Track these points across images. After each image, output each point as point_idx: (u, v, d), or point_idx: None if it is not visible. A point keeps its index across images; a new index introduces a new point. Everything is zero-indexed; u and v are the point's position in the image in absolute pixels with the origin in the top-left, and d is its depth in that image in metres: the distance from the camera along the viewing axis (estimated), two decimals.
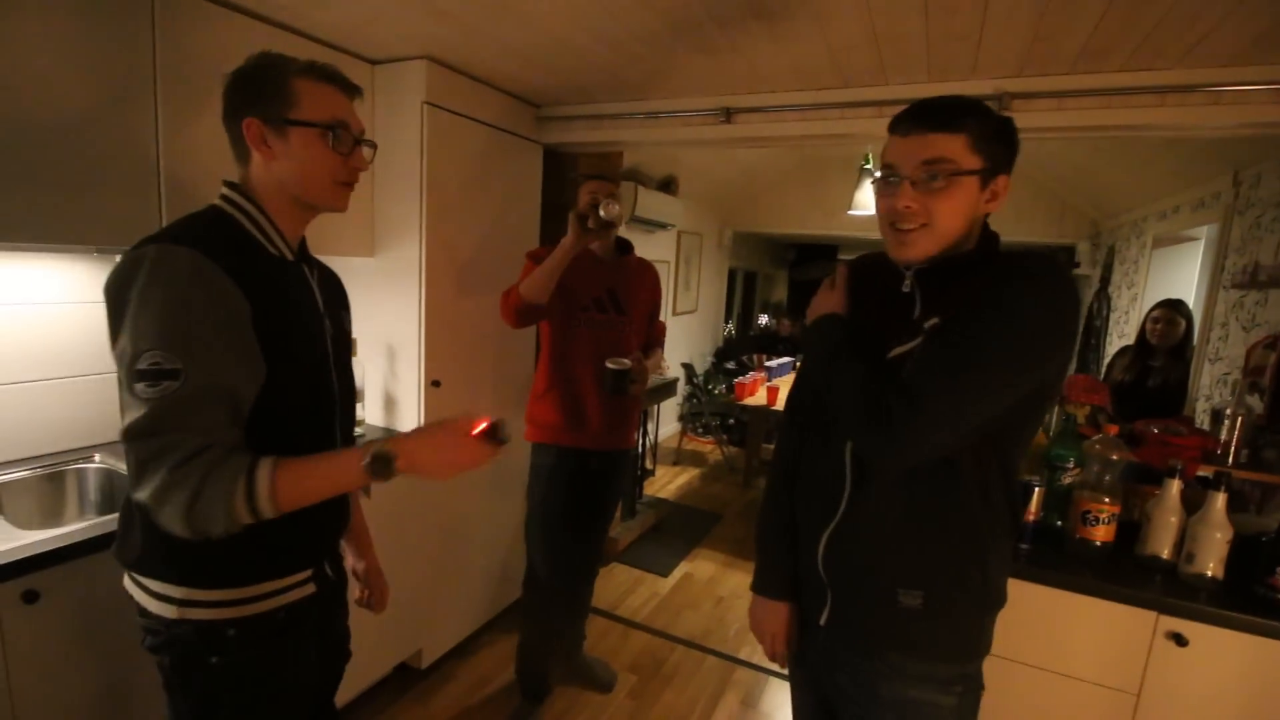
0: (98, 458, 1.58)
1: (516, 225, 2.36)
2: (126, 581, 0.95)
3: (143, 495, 0.78)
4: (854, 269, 1.06)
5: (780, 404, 4.01)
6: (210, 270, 0.81)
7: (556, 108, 2.35)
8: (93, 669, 1.23)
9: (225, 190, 0.93)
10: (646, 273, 2.03)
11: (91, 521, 1.26)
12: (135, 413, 0.77)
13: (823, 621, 1.02)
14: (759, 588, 1.13)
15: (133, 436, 0.78)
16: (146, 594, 0.90)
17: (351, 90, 0.95)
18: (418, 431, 0.89)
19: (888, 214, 0.91)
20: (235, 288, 0.83)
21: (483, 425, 0.87)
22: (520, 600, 2.04)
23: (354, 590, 1.24)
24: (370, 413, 2.13)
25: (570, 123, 2.36)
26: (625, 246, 1.97)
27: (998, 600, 0.96)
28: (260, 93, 0.89)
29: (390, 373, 2.09)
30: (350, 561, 1.25)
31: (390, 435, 0.91)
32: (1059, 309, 0.84)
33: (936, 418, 0.82)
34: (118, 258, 0.82)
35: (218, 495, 0.77)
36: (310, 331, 0.97)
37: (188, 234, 0.84)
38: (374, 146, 0.99)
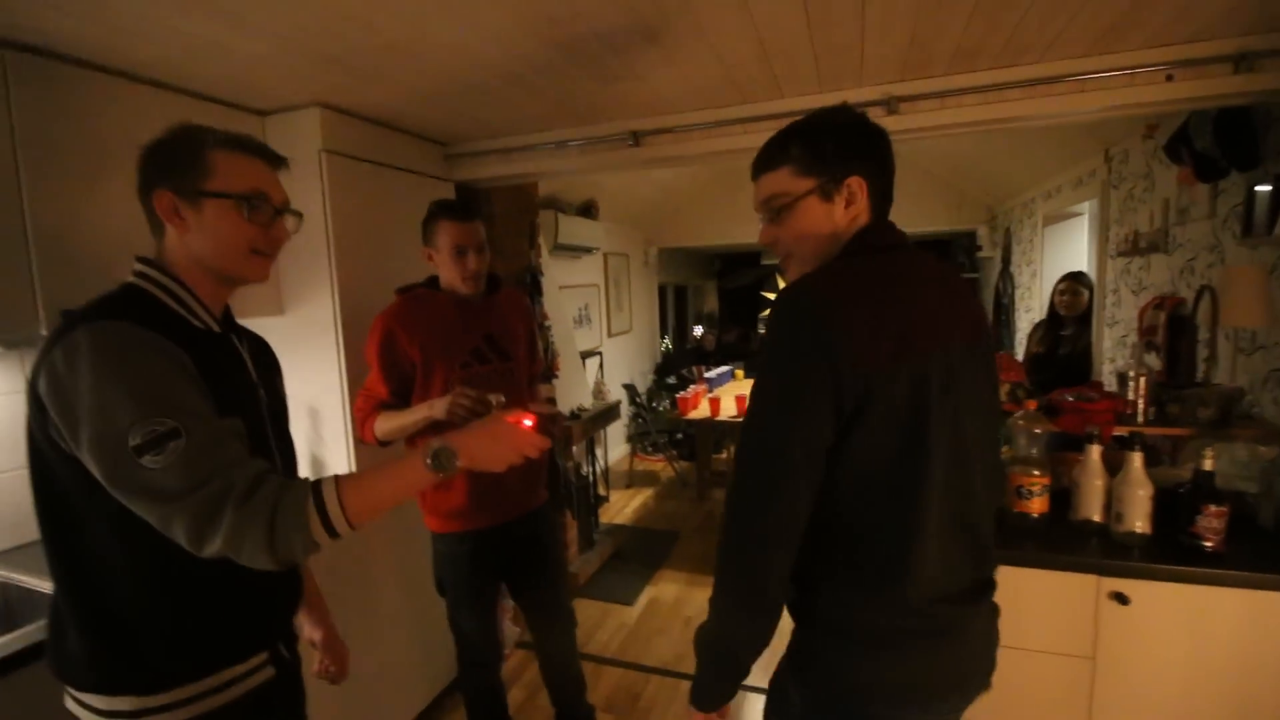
0: None
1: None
2: (68, 702, 0.86)
3: (214, 548, 0.76)
4: None
5: (724, 414, 4.00)
6: (148, 335, 0.80)
7: (464, 144, 2.31)
8: None
9: (139, 267, 0.89)
10: (519, 304, 1.87)
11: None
12: (158, 484, 0.75)
13: None
14: None
15: (172, 499, 0.75)
16: (91, 712, 0.83)
17: (276, 161, 0.95)
18: (473, 427, 0.92)
19: None
20: (176, 347, 0.82)
21: (530, 421, 0.93)
22: (459, 673, 1.87)
23: (313, 663, 1.18)
24: None
25: (480, 158, 2.32)
26: (495, 283, 1.77)
27: (844, 630, 0.85)
28: (174, 164, 0.87)
29: (315, 435, 1.97)
30: (307, 633, 1.19)
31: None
32: (778, 354, 0.80)
33: (745, 559, 0.80)
34: None
35: (292, 524, 0.78)
36: (246, 402, 0.95)
37: (111, 310, 0.82)
38: (299, 216, 0.97)
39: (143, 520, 0.78)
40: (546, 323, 3.10)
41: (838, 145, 0.88)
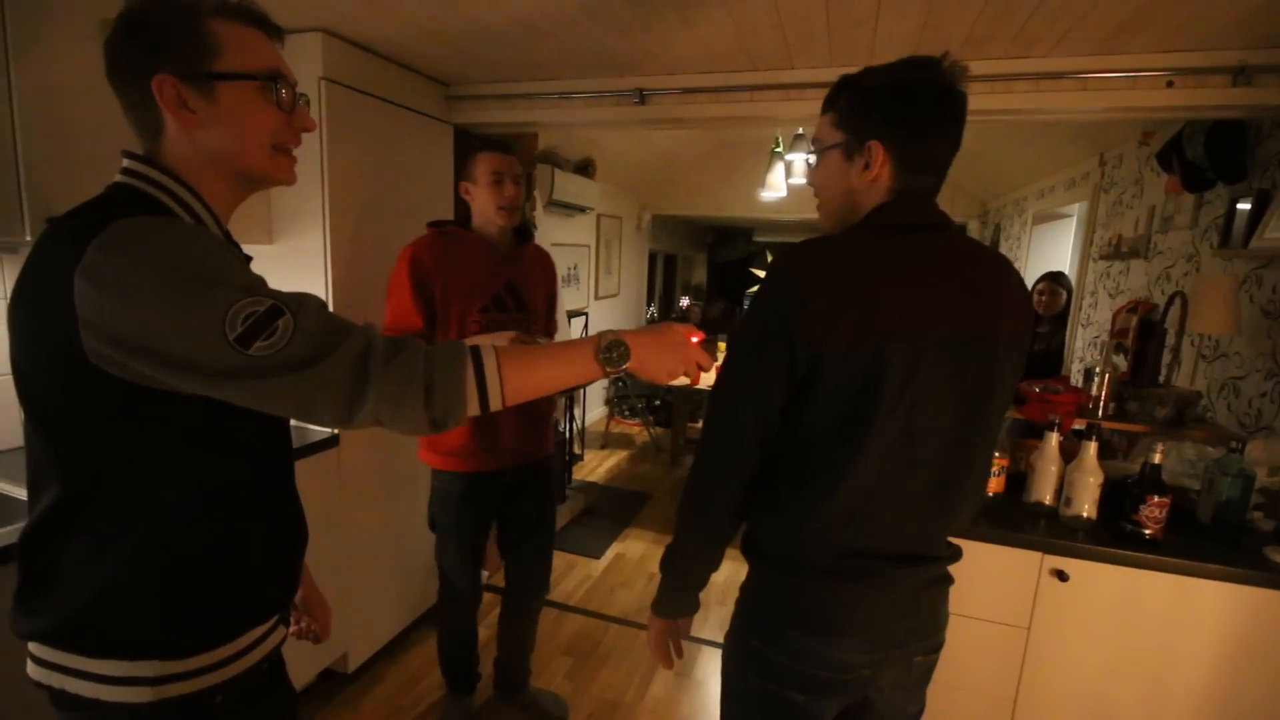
0: None
1: (427, 211, 2.28)
2: (35, 670, 0.70)
3: (365, 412, 0.65)
4: None
5: (702, 383, 4.08)
6: (195, 225, 0.69)
7: (466, 86, 2.28)
8: None
9: (131, 164, 0.71)
10: (544, 261, 1.86)
11: None
12: (279, 362, 0.61)
13: None
14: None
15: (303, 367, 0.62)
16: (91, 681, 0.68)
17: (275, 32, 0.77)
18: (645, 331, 0.82)
19: None
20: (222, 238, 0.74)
21: (697, 338, 0.88)
22: (438, 607, 1.90)
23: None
24: None
25: (481, 102, 2.29)
26: (525, 234, 1.77)
27: (773, 562, 0.94)
28: (170, 40, 0.68)
29: None
30: None
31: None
32: (750, 314, 0.90)
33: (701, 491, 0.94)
34: None
35: (451, 387, 0.67)
36: None
37: (120, 210, 0.65)
38: (308, 100, 0.83)
39: (202, 449, 0.70)
40: None
41: (875, 105, 0.86)
